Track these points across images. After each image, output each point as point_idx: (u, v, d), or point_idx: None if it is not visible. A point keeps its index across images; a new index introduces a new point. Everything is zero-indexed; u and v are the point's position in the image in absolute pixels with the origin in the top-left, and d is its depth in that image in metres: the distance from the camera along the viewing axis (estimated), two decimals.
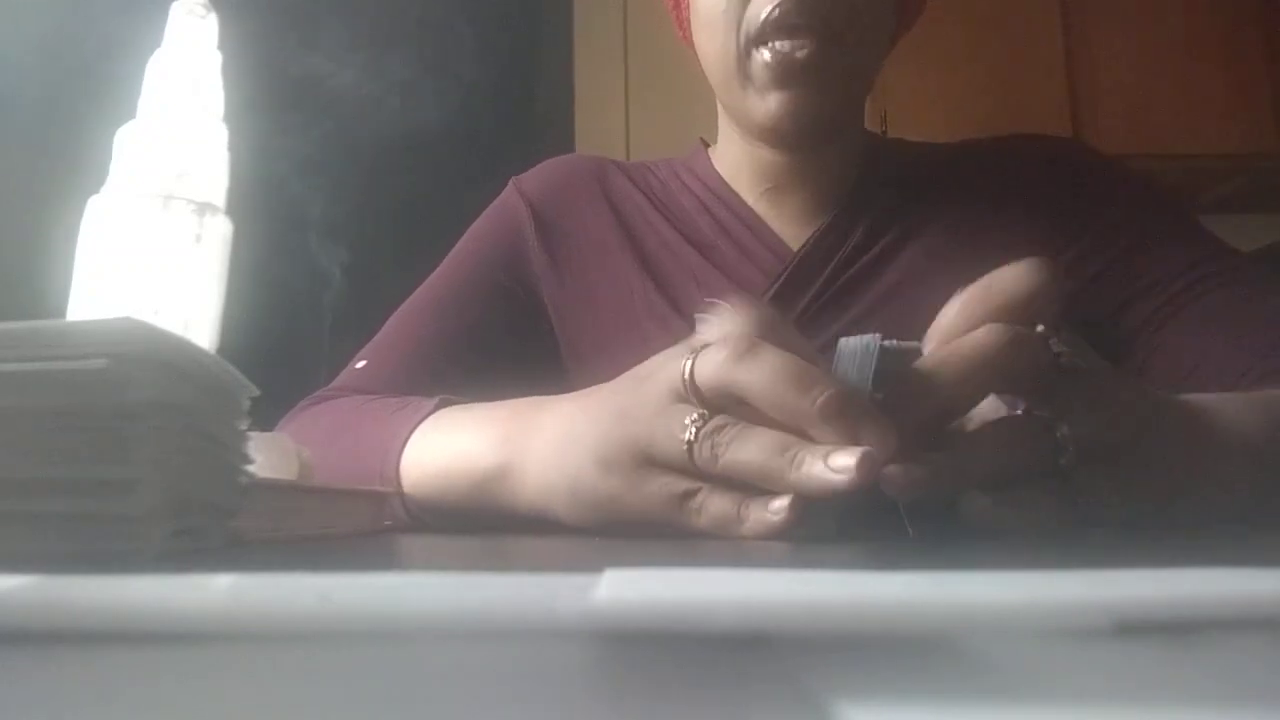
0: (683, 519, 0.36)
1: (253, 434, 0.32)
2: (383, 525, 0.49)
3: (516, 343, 0.68)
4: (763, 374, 0.33)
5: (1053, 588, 0.15)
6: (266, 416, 0.62)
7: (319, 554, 0.30)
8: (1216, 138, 2.19)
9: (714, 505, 0.35)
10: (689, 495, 0.36)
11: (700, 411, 0.35)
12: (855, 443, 0.32)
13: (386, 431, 0.53)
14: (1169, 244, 0.63)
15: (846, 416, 0.32)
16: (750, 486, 0.35)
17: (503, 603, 0.14)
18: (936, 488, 0.33)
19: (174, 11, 0.45)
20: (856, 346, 0.36)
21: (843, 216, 0.67)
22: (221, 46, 0.46)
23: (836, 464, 0.32)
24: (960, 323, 0.36)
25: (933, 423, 0.35)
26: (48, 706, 0.10)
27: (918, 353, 0.36)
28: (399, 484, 0.51)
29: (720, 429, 0.35)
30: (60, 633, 0.13)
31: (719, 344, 0.35)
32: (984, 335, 0.34)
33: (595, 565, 0.17)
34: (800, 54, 0.57)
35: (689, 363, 0.36)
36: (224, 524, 0.30)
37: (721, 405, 0.35)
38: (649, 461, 0.37)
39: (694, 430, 0.35)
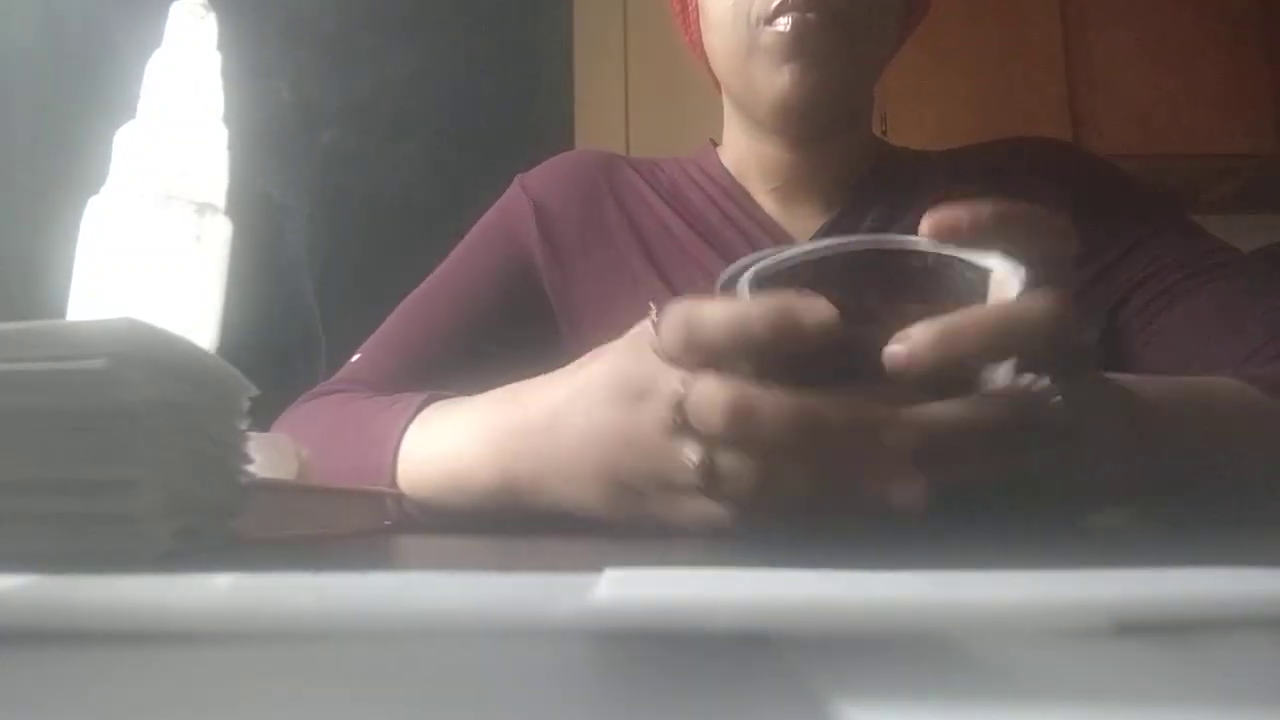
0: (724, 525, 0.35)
1: (253, 434, 0.32)
2: (383, 525, 0.49)
3: (521, 337, 0.68)
4: (769, 430, 0.32)
5: (1053, 588, 0.15)
6: (266, 416, 0.62)
7: (319, 554, 0.30)
8: (1216, 138, 2.18)
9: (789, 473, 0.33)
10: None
11: (703, 454, 0.34)
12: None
13: (377, 430, 0.53)
14: (1168, 240, 0.64)
15: (865, 451, 0.32)
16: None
17: (503, 603, 0.14)
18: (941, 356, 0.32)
19: (174, 11, 0.45)
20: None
21: (849, 212, 0.68)
22: (221, 47, 0.46)
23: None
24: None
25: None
26: (48, 706, 0.10)
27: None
28: (396, 485, 0.51)
29: (735, 474, 0.33)
30: (60, 633, 0.13)
31: (710, 393, 0.33)
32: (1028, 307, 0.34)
33: (595, 565, 0.17)
34: (811, 19, 0.57)
35: (681, 403, 0.34)
36: (224, 524, 0.30)
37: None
38: (675, 489, 0.36)
39: (701, 472, 0.34)
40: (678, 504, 0.36)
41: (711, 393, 0.33)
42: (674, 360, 0.35)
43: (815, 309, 0.32)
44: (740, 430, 0.32)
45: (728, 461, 0.33)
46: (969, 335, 0.32)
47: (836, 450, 0.32)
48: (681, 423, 0.34)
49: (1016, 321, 0.33)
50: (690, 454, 0.34)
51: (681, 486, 0.35)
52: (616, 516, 0.39)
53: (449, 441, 0.49)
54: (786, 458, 0.33)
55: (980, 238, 0.36)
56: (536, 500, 0.43)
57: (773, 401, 0.32)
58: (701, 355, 0.34)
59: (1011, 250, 0.36)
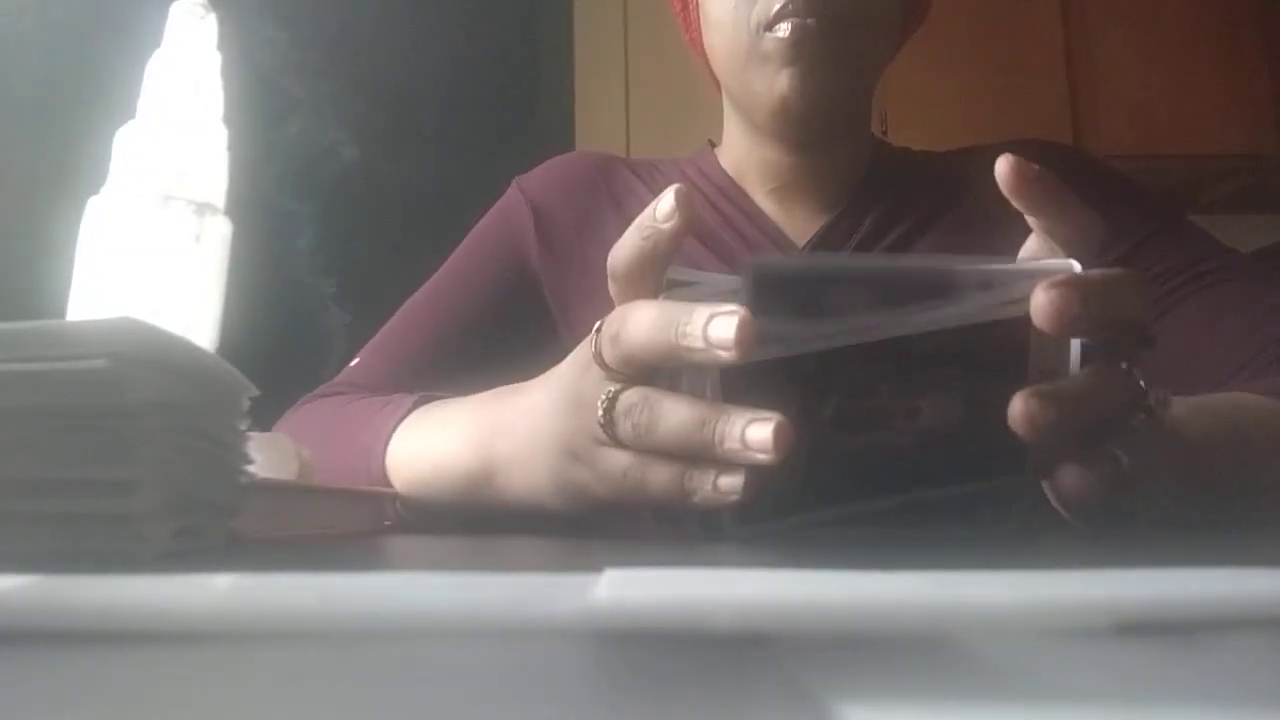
0: (630, 496, 0.36)
1: (253, 434, 0.32)
2: (383, 525, 0.49)
3: (519, 340, 0.68)
4: (666, 431, 0.33)
5: (1053, 588, 0.15)
6: (266, 416, 0.62)
7: (319, 554, 0.30)
8: (1216, 138, 2.18)
9: (653, 478, 0.35)
10: (628, 470, 0.35)
11: (610, 389, 0.35)
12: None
13: (369, 431, 0.54)
14: (1170, 243, 0.64)
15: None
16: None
17: (503, 603, 0.14)
18: (1064, 424, 0.32)
19: (174, 11, 0.45)
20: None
21: (848, 213, 0.68)
22: (221, 47, 0.46)
23: (754, 440, 0.31)
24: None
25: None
26: (48, 706, 0.10)
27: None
28: (387, 484, 0.51)
29: (631, 408, 0.34)
30: (60, 633, 0.13)
31: (624, 407, 0.34)
32: (1080, 382, 0.34)
33: (595, 565, 0.17)
34: (811, 25, 0.57)
35: (603, 413, 0.35)
36: (224, 524, 0.30)
37: (641, 376, 0.35)
38: (602, 443, 0.37)
39: (602, 410, 0.35)
40: (598, 459, 0.37)
41: (626, 408, 0.34)
42: (613, 370, 0.36)
43: (729, 318, 0.31)
44: (645, 438, 0.34)
45: (632, 404, 0.34)
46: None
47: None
48: (607, 431, 0.35)
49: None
50: (616, 461, 0.35)
51: (620, 488, 0.36)
52: (562, 497, 0.40)
53: (434, 436, 0.50)
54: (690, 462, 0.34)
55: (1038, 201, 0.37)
56: (506, 492, 0.44)
57: (668, 406, 0.33)
58: (633, 364, 0.35)
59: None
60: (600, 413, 0.35)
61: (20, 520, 0.24)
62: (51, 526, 0.24)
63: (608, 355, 0.35)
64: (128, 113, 0.44)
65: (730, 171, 0.72)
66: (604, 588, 0.15)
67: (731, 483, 0.33)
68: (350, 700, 0.10)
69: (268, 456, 0.39)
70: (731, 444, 0.32)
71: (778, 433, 0.31)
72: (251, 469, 0.31)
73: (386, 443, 0.52)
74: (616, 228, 0.70)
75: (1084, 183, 0.68)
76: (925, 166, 0.72)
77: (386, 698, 0.10)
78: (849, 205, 0.68)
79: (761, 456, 0.31)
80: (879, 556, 0.27)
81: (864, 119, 0.72)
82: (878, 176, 0.69)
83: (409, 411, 0.53)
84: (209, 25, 0.46)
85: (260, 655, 0.12)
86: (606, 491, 0.37)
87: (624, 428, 0.34)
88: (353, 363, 0.68)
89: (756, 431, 0.31)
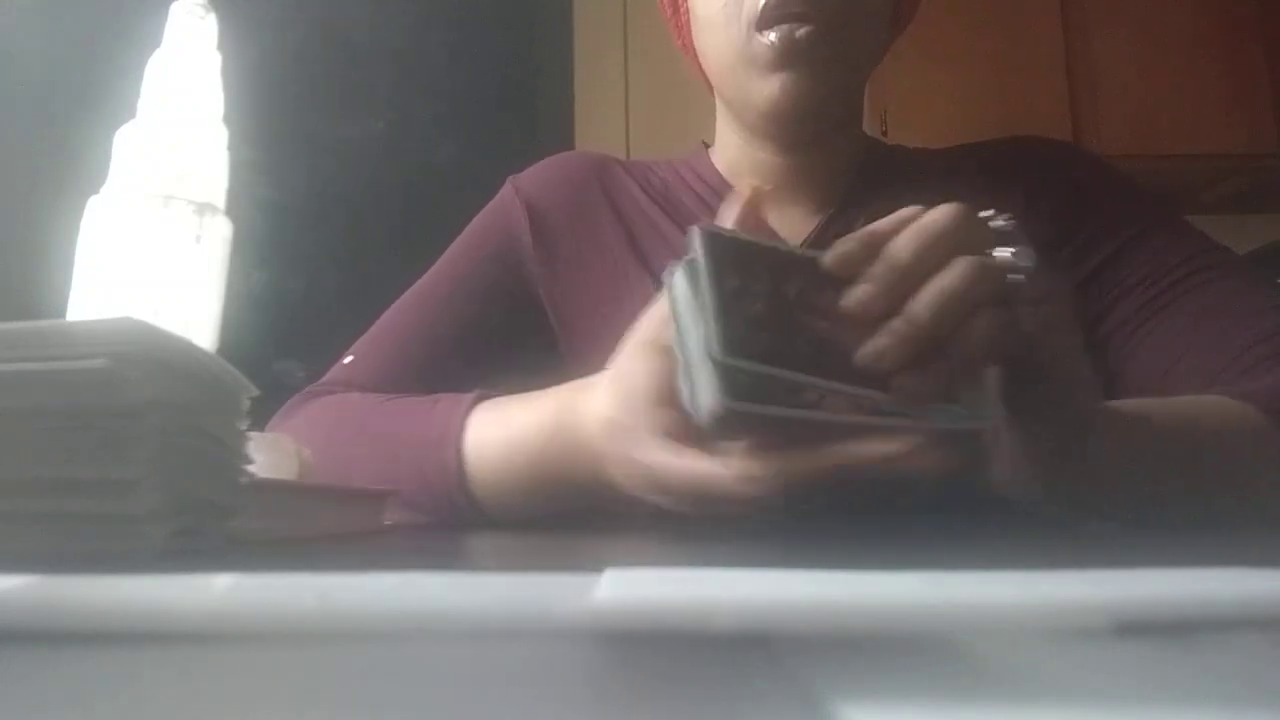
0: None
1: (253, 434, 0.32)
2: (383, 525, 0.49)
3: (512, 339, 0.68)
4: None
5: (1053, 588, 0.15)
6: (266, 416, 0.62)
7: (319, 554, 0.30)
8: (1216, 138, 2.18)
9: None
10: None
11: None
12: None
13: (435, 424, 0.54)
14: (1160, 241, 0.64)
15: None
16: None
17: (503, 603, 0.14)
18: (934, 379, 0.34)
19: (174, 11, 0.45)
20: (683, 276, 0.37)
21: (842, 213, 0.67)
22: (221, 46, 0.46)
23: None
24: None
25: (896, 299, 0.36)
26: (48, 706, 0.10)
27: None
28: (461, 474, 0.52)
29: None
30: (60, 633, 0.13)
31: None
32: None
33: (595, 565, 0.17)
34: (801, 33, 0.57)
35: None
36: (224, 524, 0.30)
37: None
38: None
39: None
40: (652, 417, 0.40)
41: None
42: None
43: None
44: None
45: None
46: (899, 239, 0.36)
47: None
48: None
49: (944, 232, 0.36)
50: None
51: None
52: (627, 464, 0.42)
53: (510, 418, 0.51)
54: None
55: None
56: (580, 457, 0.46)
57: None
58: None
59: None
60: None
61: (20, 520, 0.24)
62: (51, 526, 0.24)
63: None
64: (128, 113, 0.44)
65: (724, 172, 0.72)
66: (604, 588, 0.15)
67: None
68: (350, 700, 0.10)
69: (268, 456, 0.39)
70: None
71: None
72: (251, 469, 0.31)
73: (460, 432, 0.53)
74: (610, 227, 0.70)
75: (1076, 177, 0.68)
76: (919, 164, 0.71)
77: (386, 698, 0.10)
78: (842, 205, 0.68)
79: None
80: (879, 556, 0.27)
81: (855, 117, 0.72)
82: (871, 175, 0.69)
83: (474, 403, 0.54)
84: (209, 25, 0.46)
85: (260, 655, 0.12)
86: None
87: None
88: (344, 360, 0.68)
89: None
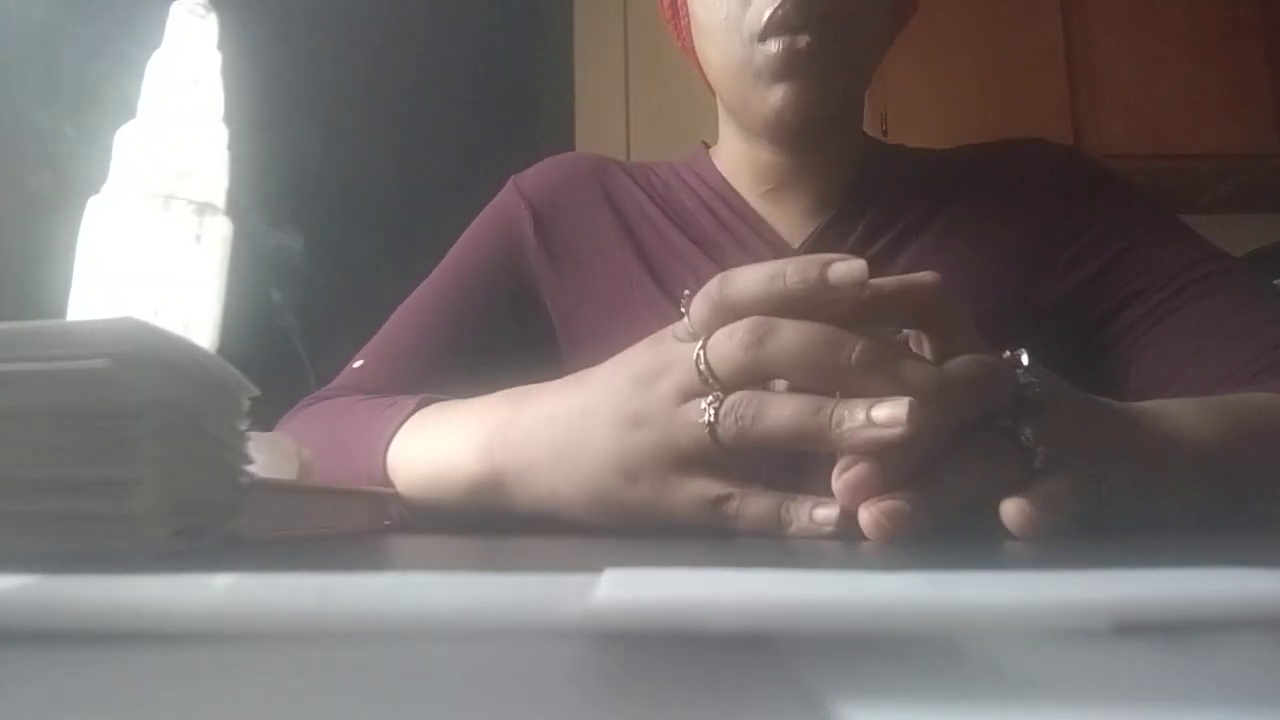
0: (721, 523, 0.36)
1: (253, 434, 0.32)
2: (383, 525, 0.49)
3: (515, 340, 0.68)
4: (789, 344, 0.33)
5: (1053, 588, 0.15)
6: (266, 416, 0.62)
7: (319, 554, 0.30)
8: (1216, 138, 2.19)
9: (752, 508, 0.35)
10: (724, 500, 0.36)
11: (715, 394, 0.35)
12: (899, 392, 0.32)
13: (371, 433, 0.53)
14: (1163, 248, 0.64)
15: (886, 362, 0.32)
16: (787, 485, 0.35)
17: (503, 603, 0.14)
18: (927, 521, 0.32)
19: (174, 11, 0.45)
20: None
21: (843, 214, 0.67)
22: (221, 46, 0.46)
23: (882, 416, 0.31)
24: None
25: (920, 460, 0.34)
26: (48, 706, 0.10)
27: None
28: (388, 485, 0.51)
29: (741, 402, 0.34)
30: (60, 633, 0.13)
31: (727, 330, 0.35)
32: (960, 369, 0.34)
33: (595, 565, 0.17)
34: (802, 44, 0.57)
35: (700, 352, 0.35)
36: (224, 524, 0.30)
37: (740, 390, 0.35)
38: (678, 466, 0.37)
39: (712, 412, 0.35)
40: (674, 485, 0.37)
41: (729, 329, 0.35)
42: (705, 325, 0.36)
43: (847, 261, 0.33)
44: (760, 352, 0.34)
45: (739, 399, 0.35)
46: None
47: (852, 379, 0.33)
48: (704, 372, 0.35)
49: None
50: (704, 407, 0.35)
51: (685, 457, 0.36)
52: (599, 513, 0.40)
53: (437, 439, 0.49)
54: (805, 381, 0.34)
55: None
56: (520, 493, 0.43)
57: (790, 324, 0.34)
58: (733, 314, 0.35)
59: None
60: (707, 417, 0.35)
61: (20, 520, 0.24)
62: (51, 526, 0.24)
63: (730, 433, 0.35)
64: (128, 113, 0.44)
65: (725, 173, 0.72)
66: (604, 588, 0.15)
67: (827, 514, 0.33)
68: (350, 700, 0.10)
69: (268, 456, 0.39)
70: (853, 424, 0.32)
71: (912, 408, 0.31)
72: (251, 469, 0.31)
73: (388, 445, 0.52)
74: (611, 228, 0.70)
75: (1076, 181, 0.68)
76: (920, 164, 0.72)
77: (386, 698, 0.10)
78: (843, 207, 0.68)
79: (892, 432, 0.31)
80: (879, 557, 0.27)
81: (857, 119, 0.72)
82: (872, 176, 0.69)
83: (411, 413, 0.53)
84: (209, 25, 0.46)
85: (260, 655, 0.12)
86: (678, 515, 0.37)
87: (727, 424, 0.34)
88: (353, 364, 0.68)
89: (885, 410, 0.31)
